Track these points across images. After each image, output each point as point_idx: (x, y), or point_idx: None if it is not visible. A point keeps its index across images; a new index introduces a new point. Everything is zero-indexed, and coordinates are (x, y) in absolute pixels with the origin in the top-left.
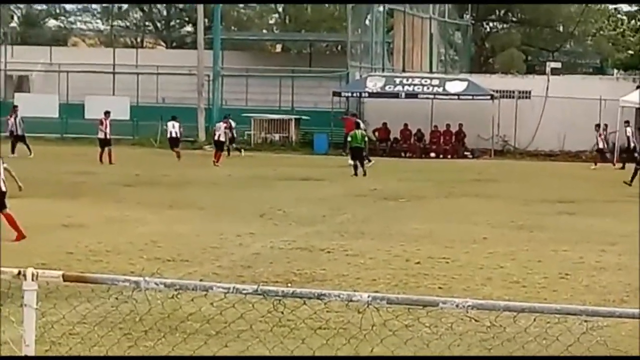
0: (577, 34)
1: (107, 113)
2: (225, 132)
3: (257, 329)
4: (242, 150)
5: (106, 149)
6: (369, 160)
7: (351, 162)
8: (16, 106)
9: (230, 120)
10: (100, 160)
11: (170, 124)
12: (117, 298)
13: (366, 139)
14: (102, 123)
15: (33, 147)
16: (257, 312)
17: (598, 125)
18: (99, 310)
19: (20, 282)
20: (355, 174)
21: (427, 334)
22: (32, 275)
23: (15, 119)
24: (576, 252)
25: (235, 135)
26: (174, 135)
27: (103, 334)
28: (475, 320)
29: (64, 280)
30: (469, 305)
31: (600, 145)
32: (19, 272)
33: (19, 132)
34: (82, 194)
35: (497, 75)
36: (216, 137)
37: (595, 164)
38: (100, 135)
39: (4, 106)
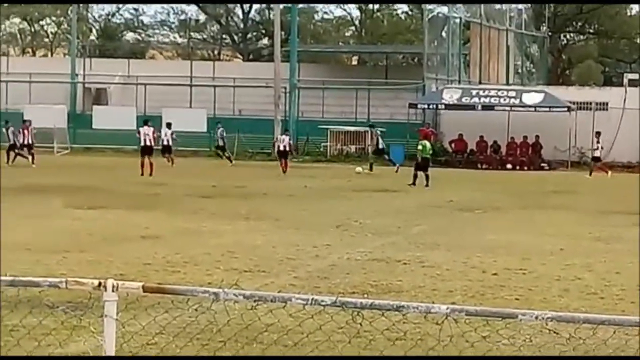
0: None
1: (146, 122)
2: (289, 144)
3: (334, 340)
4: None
5: (147, 157)
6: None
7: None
8: (25, 120)
9: (221, 129)
10: (142, 170)
11: (163, 131)
12: (196, 309)
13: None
14: (154, 132)
15: (111, 159)
16: (335, 323)
17: (598, 133)
18: (177, 321)
19: (100, 293)
20: (414, 184)
21: (505, 346)
22: (113, 286)
23: (25, 130)
24: None
25: (225, 143)
26: (165, 143)
27: (182, 345)
28: (555, 333)
29: (144, 291)
30: (547, 317)
31: (597, 154)
32: (100, 284)
33: (25, 142)
34: (159, 205)
35: (574, 87)
36: (281, 148)
37: (607, 173)
38: (143, 143)
39: (82, 118)
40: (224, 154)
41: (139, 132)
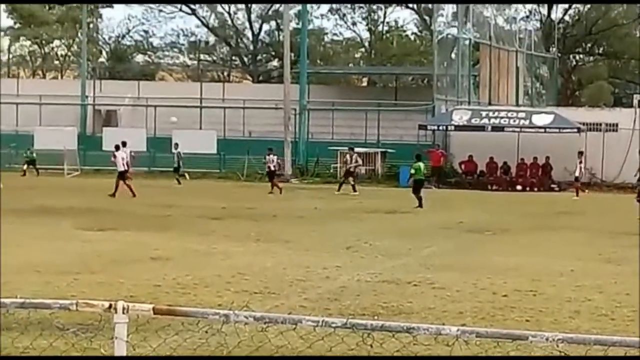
0: None
1: (117, 147)
2: (278, 163)
3: None
4: (183, 176)
5: (121, 182)
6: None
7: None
8: None
9: (179, 150)
10: (133, 192)
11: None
12: (206, 331)
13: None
14: (114, 156)
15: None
16: (346, 345)
17: (581, 153)
18: (188, 343)
19: (111, 315)
20: (421, 206)
21: None
22: (123, 308)
23: None
24: None
25: (181, 164)
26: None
27: None
28: (565, 354)
29: (154, 313)
30: (558, 339)
31: (577, 174)
32: (110, 306)
33: None
34: (170, 226)
35: (584, 108)
36: (272, 168)
37: (577, 194)
38: (120, 168)
39: (92, 140)
40: (179, 175)
41: (114, 156)
